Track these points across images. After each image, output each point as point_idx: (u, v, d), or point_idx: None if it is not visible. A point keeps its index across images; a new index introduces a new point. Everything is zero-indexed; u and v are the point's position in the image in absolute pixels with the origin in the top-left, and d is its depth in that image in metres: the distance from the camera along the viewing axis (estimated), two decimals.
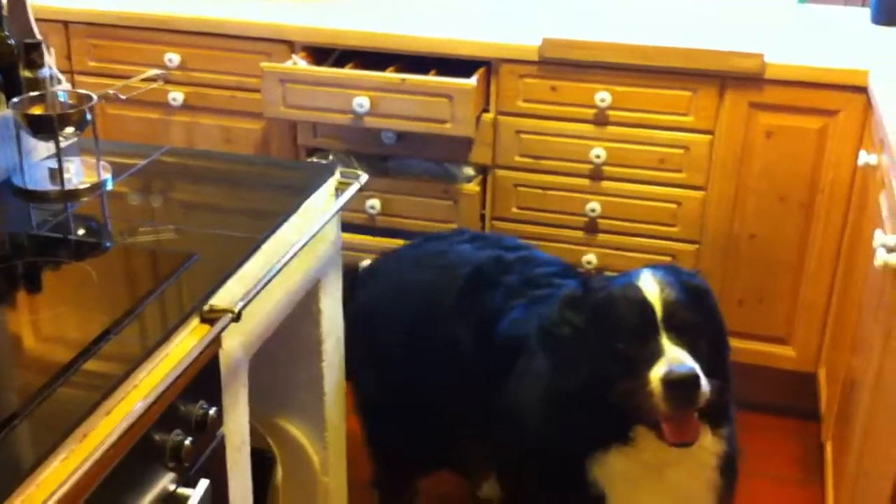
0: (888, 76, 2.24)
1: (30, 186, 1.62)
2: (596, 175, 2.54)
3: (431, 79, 2.45)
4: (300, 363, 1.84)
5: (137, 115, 2.79)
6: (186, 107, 2.75)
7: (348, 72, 2.50)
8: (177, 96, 2.73)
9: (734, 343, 2.56)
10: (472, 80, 2.42)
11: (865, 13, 2.71)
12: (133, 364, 1.19)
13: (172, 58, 2.70)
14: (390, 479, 2.21)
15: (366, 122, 2.47)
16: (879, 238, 1.80)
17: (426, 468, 2.19)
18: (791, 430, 2.63)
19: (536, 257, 2.00)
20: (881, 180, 2.00)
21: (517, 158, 2.56)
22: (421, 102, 2.43)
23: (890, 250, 1.73)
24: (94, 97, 1.61)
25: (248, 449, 1.51)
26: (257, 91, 2.56)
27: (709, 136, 2.44)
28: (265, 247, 1.50)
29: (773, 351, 2.59)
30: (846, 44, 2.50)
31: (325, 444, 1.89)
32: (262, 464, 1.84)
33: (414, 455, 2.13)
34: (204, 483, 1.29)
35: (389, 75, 2.48)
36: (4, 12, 1.59)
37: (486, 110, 2.54)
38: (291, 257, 1.48)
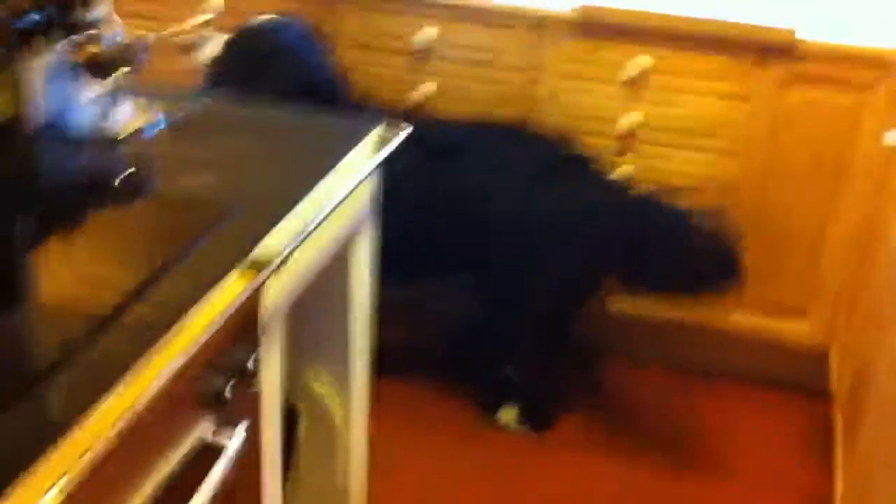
0: None
1: (75, 129, 1.60)
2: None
3: None
4: (328, 318, 1.84)
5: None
6: None
7: None
8: None
9: (749, 318, 2.59)
10: None
11: None
12: (174, 313, 1.18)
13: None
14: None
15: None
16: None
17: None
18: (798, 406, 2.64)
19: None
20: None
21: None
22: None
23: None
24: (149, 39, 1.57)
25: (279, 401, 1.53)
26: None
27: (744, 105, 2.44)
28: (308, 196, 1.49)
29: (787, 325, 2.61)
30: (882, 21, 2.48)
31: (349, 400, 1.90)
32: (288, 417, 1.84)
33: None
34: (241, 433, 1.31)
35: None
36: None
37: None
38: (333, 209, 1.48)
